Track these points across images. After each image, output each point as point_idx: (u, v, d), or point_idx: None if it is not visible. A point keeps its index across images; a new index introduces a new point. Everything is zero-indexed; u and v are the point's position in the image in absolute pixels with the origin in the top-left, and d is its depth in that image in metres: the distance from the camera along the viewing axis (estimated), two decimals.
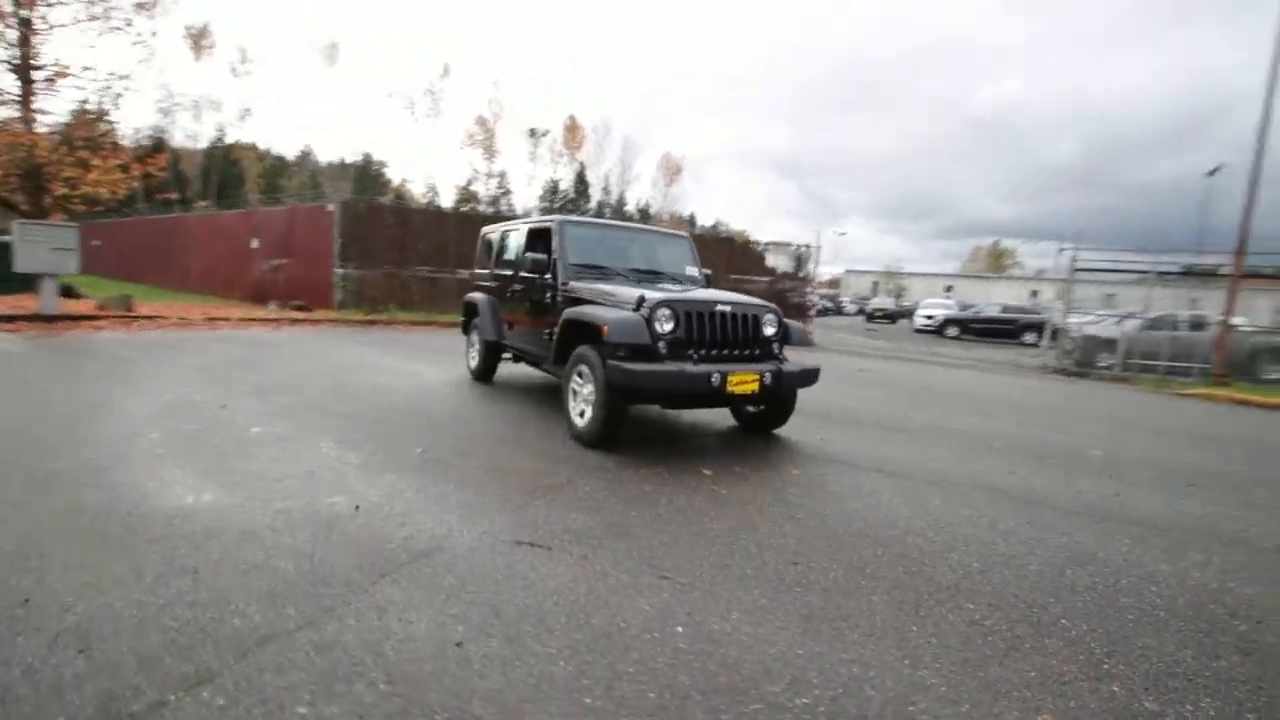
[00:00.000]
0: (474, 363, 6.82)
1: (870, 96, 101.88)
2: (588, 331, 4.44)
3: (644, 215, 58.88)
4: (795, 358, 4.79)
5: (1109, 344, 14.48)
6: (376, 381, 6.35)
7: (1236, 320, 14.42)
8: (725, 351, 4.39)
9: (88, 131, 12.79)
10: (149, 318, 10.51)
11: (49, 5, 11.72)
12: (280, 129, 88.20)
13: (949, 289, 56.26)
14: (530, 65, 77.91)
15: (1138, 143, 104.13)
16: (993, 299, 37.42)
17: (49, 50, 11.96)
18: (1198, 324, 14.36)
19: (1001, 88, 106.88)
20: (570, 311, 4.57)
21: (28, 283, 10.25)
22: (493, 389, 6.41)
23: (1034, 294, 52.01)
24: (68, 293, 11.61)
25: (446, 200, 50.16)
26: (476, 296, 6.76)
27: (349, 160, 54.85)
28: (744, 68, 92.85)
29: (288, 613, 2.07)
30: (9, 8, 11.36)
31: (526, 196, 56.79)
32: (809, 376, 4.64)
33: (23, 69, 11.73)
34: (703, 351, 4.29)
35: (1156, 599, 2.58)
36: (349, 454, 3.86)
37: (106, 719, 1.56)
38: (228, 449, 3.81)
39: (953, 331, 25.36)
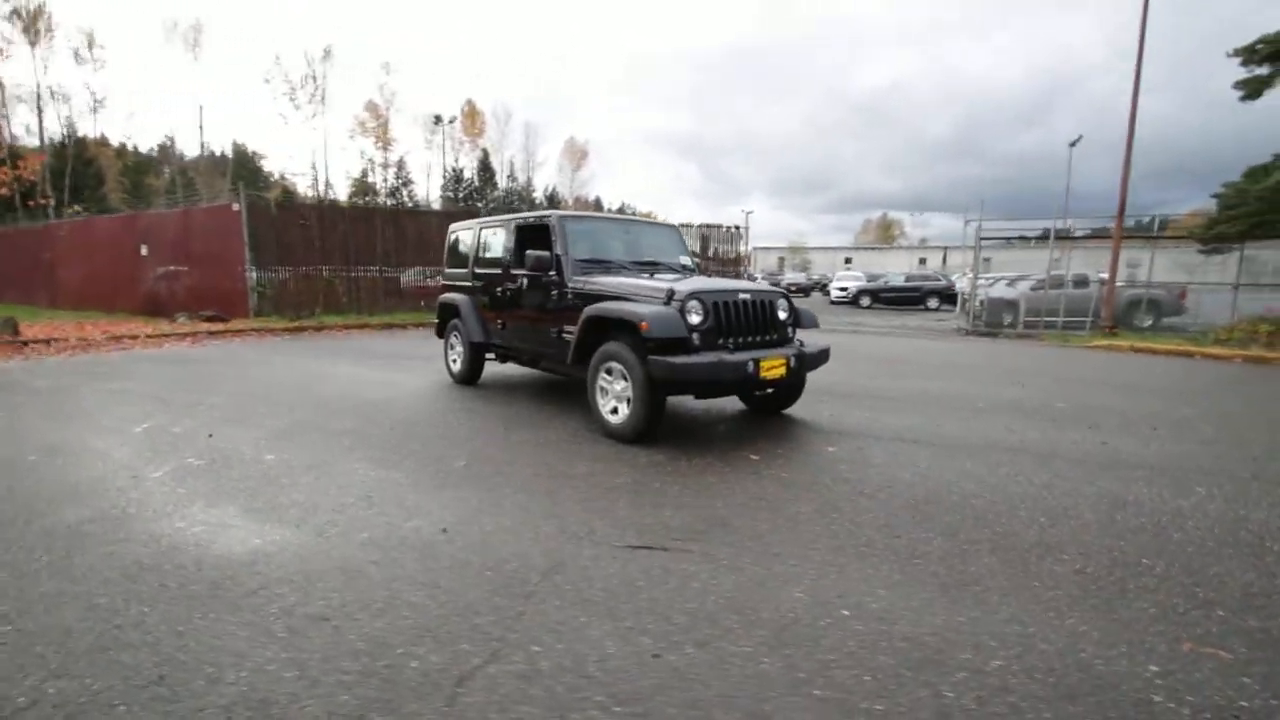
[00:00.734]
0: (457, 366, 6.55)
1: (763, 79, 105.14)
2: (617, 327, 4.40)
3: (551, 201, 57.95)
4: (807, 339, 4.98)
5: (1011, 305, 16.00)
6: (357, 394, 5.97)
7: (1105, 278, 16.34)
8: (750, 338, 4.49)
9: None
10: (43, 341, 9.24)
11: None
12: (141, 121, 78.70)
13: (848, 261, 59.51)
14: (421, 50, 73.76)
15: (1002, 117, 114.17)
16: (887, 268, 40.18)
17: None
18: (1081, 282, 16.15)
19: (882, 69, 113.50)
20: (594, 308, 4.49)
21: None
22: (484, 392, 6.19)
23: (922, 261, 56.15)
24: None
25: (341, 193, 46.99)
26: (455, 297, 6.47)
27: (220, 153, 50.03)
28: (642, 52, 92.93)
29: (463, 648, 1.97)
30: None
31: (428, 186, 54.32)
32: (823, 357, 4.84)
33: None
34: (731, 340, 4.37)
35: (1197, 531, 2.95)
36: (391, 474, 3.64)
37: None
38: (254, 482, 3.48)
39: (866, 301, 27.05)
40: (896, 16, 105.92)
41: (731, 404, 5.58)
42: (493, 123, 56.22)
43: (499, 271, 5.85)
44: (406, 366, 7.83)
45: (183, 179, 39.38)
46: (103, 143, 45.50)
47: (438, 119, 36.98)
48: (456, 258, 6.72)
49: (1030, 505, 3.25)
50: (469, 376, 6.44)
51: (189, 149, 49.75)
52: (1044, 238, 15.00)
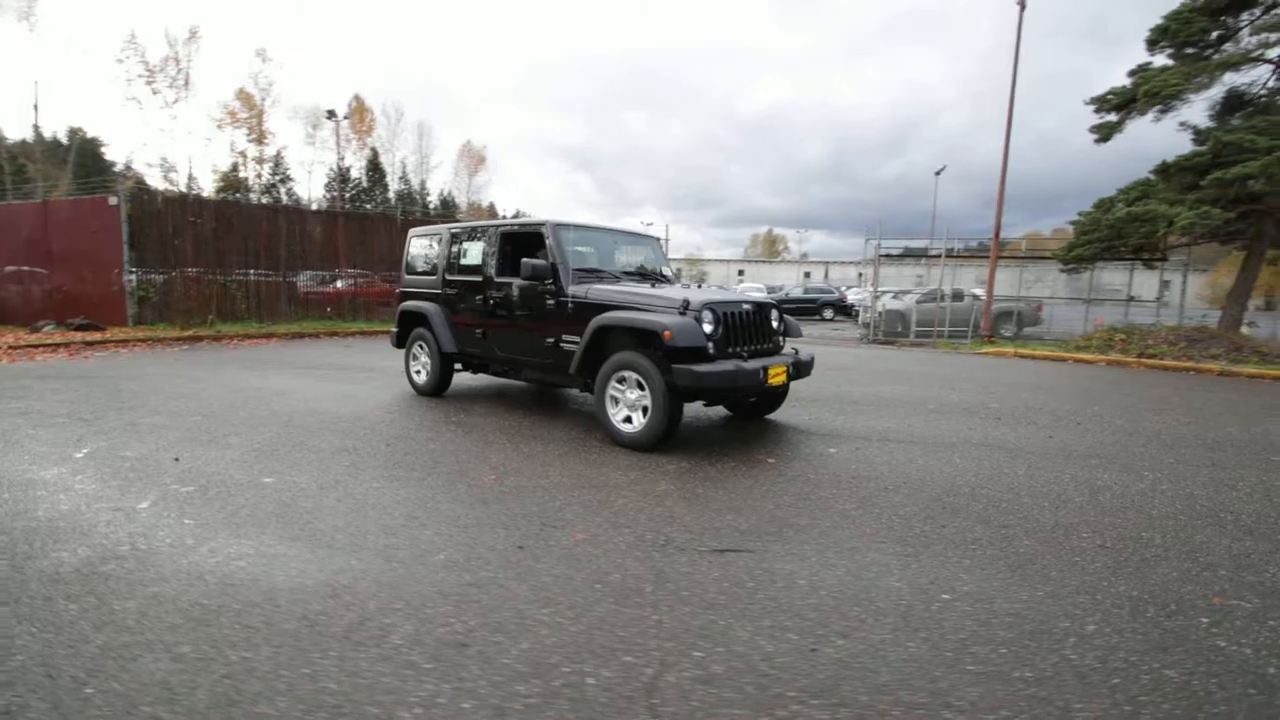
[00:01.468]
0: (423, 378, 6.23)
1: (656, 95, 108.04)
2: (630, 336, 4.43)
3: (446, 206, 55.95)
4: (790, 347, 5.27)
5: (902, 316, 17.62)
6: (318, 409, 5.52)
7: (978, 291, 18.47)
8: (752, 347, 4.69)
9: None
10: None
11: None
12: None
13: (741, 273, 62.48)
14: (302, 40, 68.37)
15: (867, 145, 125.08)
16: (776, 280, 42.69)
17: None
18: (958, 296, 18.12)
19: (767, 93, 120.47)
20: (606, 317, 4.49)
21: None
22: (457, 404, 5.93)
23: (807, 275, 60.14)
24: None
25: (207, 188, 42.49)
26: (422, 306, 6.17)
27: (52, 136, 43.46)
28: (538, 61, 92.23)
29: (627, 661, 1.94)
30: None
31: (310, 185, 50.57)
32: (811, 364, 5.14)
33: None
34: (737, 348, 4.54)
35: (1167, 508, 3.48)
36: (419, 491, 3.44)
37: None
38: (272, 507, 3.16)
39: None
40: (778, 45, 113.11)
41: (715, 411, 5.76)
42: (383, 121, 53.75)
43: (479, 279, 5.66)
44: (351, 378, 7.31)
45: (11, 165, 33.98)
46: None
47: (331, 114, 34.41)
48: (420, 265, 6.41)
49: (1030, 492, 3.68)
50: (436, 388, 6.16)
51: (14, 132, 42.92)
52: (936, 255, 16.60)
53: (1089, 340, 12.45)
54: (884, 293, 23.13)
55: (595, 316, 4.57)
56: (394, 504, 3.25)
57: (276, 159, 49.49)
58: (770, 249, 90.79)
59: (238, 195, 41.04)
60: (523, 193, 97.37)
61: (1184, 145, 12.43)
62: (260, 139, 47.16)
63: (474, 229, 5.86)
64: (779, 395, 5.38)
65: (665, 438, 4.27)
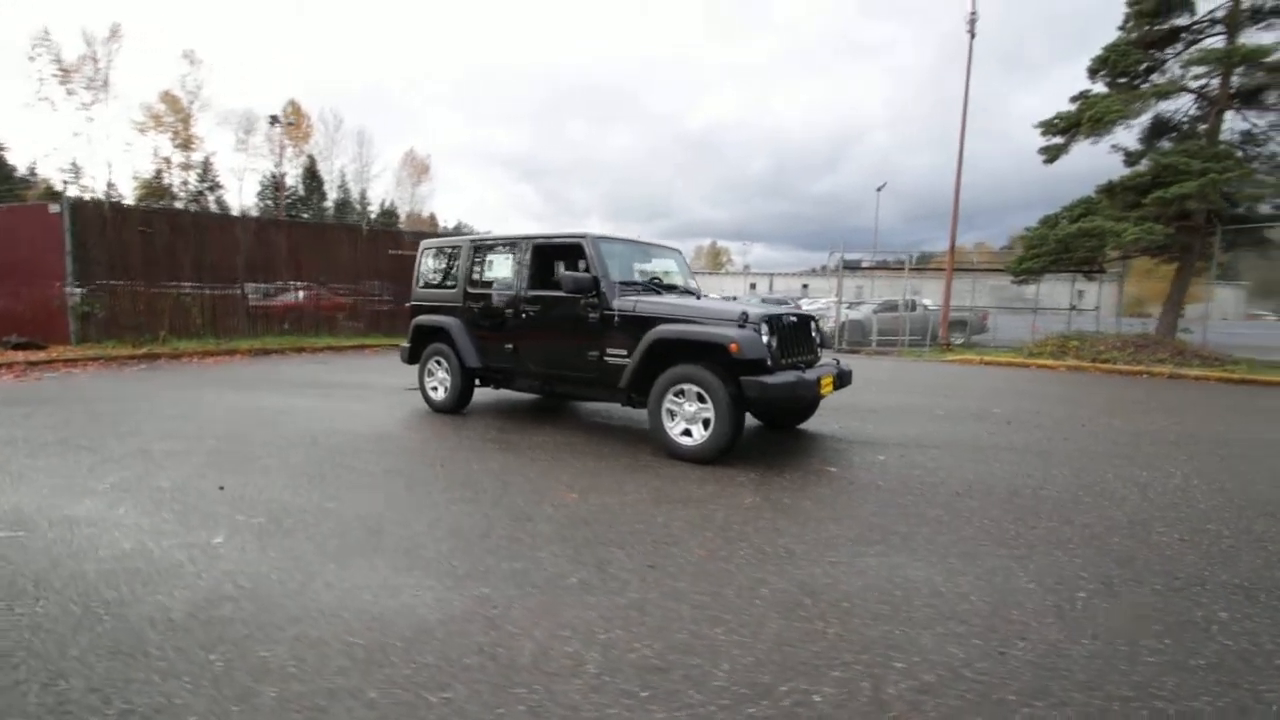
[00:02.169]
0: (441, 394, 6.02)
1: (599, 108, 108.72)
2: (688, 349, 4.43)
3: (389, 215, 54.31)
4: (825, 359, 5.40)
5: (862, 326, 18.29)
6: (336, 428, 5.23)
7: (928, 301, 19.44)
8: (799, 358, 4.77)
9: None
10: None
11: None
12: None
13: None
14: (232, 42, 65.07)
15: (807, 161, 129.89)
16: (725, 291, 43.60)
17: None
18: (911, 306, 18.98)
19: (708, 108, 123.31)
20: (662, 330, 4.46)
21: None
22: (483, 420, 5.75)
23: (753, 286, 61.60)
24: None
25: (127, 194, 39.68)
26: (441, 320, 5.97)
27: None
28: (480, 70, 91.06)
29: (834, 675, 1.93)
30: None
31: (241, 193, 48.09)
32: (850, 375, 5.27)
33: None
34: (787, 360, 4.61)
35: (1213, 501, 3.74)
36: (505, 513, 3.32)
37: None
38: (361, 535, 2.97)
39: None
40: (721, 60, 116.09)
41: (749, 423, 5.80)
42: (321, 128, 51.51)
43: (509, 293, 5.53)
44: (352, 396, 6.97)
45: None
46: None
47: (274, 119, 32.88)
48: (435, 278, 6.20)
49: (1087, 492, 3.87)
50: (456, 404, 5.95)
51: None
52: (900, 267, 17.34)
53: (1041, 347, 13.28)
54: (839, 303, 24.13)
55: (648, 330, 4.54)
56: (488, 527, 3.12)
57: (205, 165, 46.92)
58: (714, 261, 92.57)
59: (162, 203, 38.61)
60: (469, 203, 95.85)
61: (1108, 166, 13.60)
62: (187, 144, 44.68)
63: (500, 241, 5.72)
64: (814, 405, 5.48)
65: (728, 449, 4.28)
